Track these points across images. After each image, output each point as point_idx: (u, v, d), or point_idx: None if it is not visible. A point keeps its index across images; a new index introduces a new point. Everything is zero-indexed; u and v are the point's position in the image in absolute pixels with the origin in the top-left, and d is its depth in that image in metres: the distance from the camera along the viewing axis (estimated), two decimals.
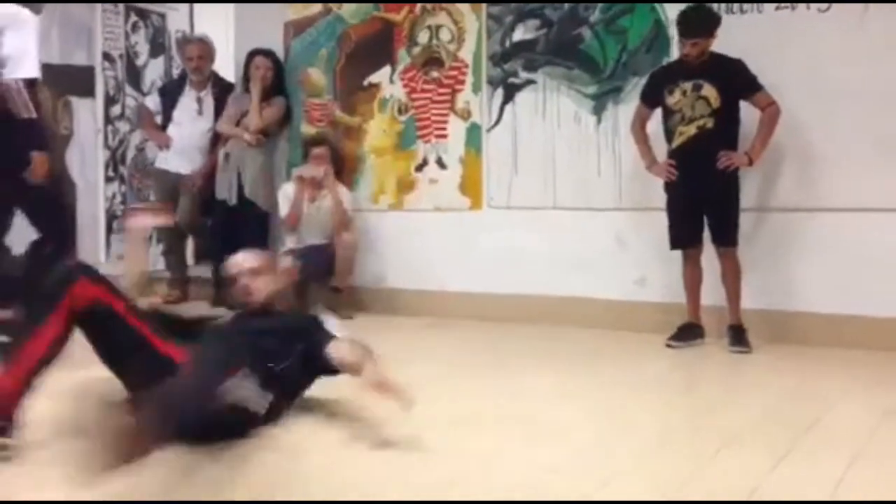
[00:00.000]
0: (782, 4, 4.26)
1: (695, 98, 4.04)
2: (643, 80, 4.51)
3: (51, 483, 1.92)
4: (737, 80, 4.00)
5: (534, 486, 2.03)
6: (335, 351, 2.49)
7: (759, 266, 4.23)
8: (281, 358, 2.44)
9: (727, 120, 4.03)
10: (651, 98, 4.25)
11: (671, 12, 4.46)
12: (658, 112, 4.25)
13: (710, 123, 4.02)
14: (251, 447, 2.30)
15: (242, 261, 2.72)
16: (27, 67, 3.83)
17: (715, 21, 4.06)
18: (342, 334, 2.69)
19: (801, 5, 4.22)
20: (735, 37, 4.18)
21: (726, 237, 4.06)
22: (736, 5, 4.35)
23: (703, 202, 4.08)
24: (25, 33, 3.84)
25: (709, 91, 4.01)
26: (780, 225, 4.29)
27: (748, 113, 4.08)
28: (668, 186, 4.20)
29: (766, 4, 4.29)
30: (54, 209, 4.38)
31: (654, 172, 4.24)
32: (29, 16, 3.89)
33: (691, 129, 4.06)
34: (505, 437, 2.52)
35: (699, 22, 4.04)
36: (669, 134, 4.16)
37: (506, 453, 2.34)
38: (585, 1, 4.80)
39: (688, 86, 4.05)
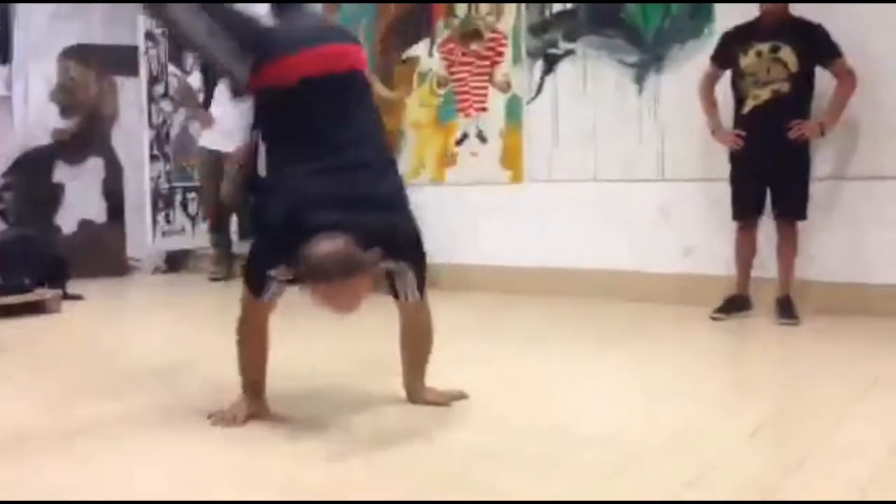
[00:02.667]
0: None
1: (771, 60, 3.87)
2: (685, 49, 4.44)
3: None
4: (817, 45, 3.83)
5: (573, 459, 2.02)
6: None
7: (814, 236, 4.13)
8: None
9: (803, 86, 3.87)
10: (722, 59, 4.07)
11: None
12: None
13: (785, 88, 3.86)
14: None
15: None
16: None
17: None
18: None
19: None
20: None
21: (793, 211, 3.92)
22: None
23: (769, 172, 3.92)
24: None
25: (787, 54, 3.85)
26: (828, 195, 4.18)
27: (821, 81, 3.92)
28: (735, 154, 4.04)
29: None
30: None
31: (719, 139, 4.08)
32: None
33: (765, 93, 3.90)
34: (544, 409, 2.52)
35: None
36: (740, 98, 4.00)
37: (544, 425, 2.33)
38: None
39: (764, 47, 3.88)
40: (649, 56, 4.69)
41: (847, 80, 3.84)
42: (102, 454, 2.13)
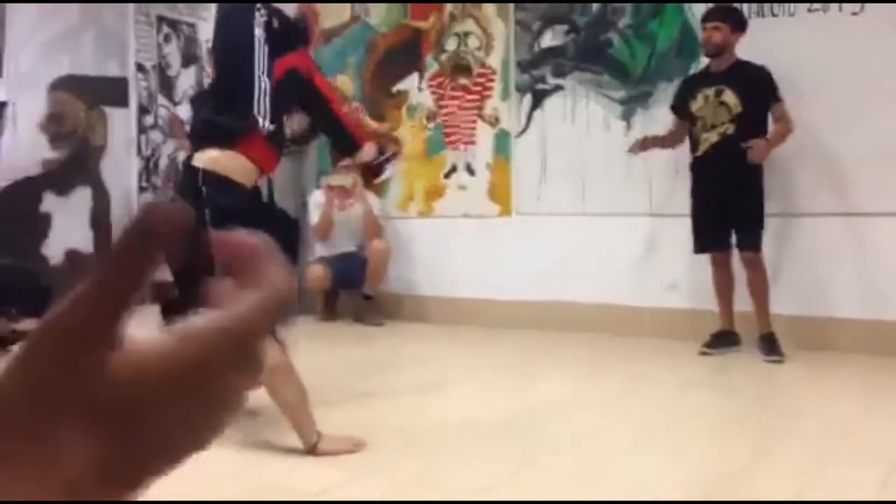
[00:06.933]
0: (814, 6, 4.21)
1: (716, 104, 4.01)
2: (673, 85, 4.49)
3: None
4: (758, 87, 3.96)
5: (563, 494, 2.02)
6: None
7: (790, 272, 4.18)
8: None
9: (750, 126, 3.97)
10: (679, 107, 4.22)
11: (700, 14, 4.45)
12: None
13: (731, 129, 3.98)
14: None
15: None
16: None
17: (739, 15, 4.07)
18: None
19: (834, 7, 4.17)
20: (766, 40, 4.15)
21: (749, 242, 4.00)
22: (767, 6, 4.31)
23: (727, 208, 4.02)
24: None
25: (729, 97, 3.98)
26: (811, 230, 4.23)
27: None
28: (693, 192, 4.17)
29: (797, 6, 4.25)
30: None
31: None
32: None
33: (713, 136, 4.03)
34: (533, 443, 2.52)
35: (723, 8, 4.10)
36: (694, 143, 4.14)
37: (534, 460, 2.33)
38: (613, 1, 4.78)
39: (710, 92, 4.03)
40: (637, 92, 4.74)
41: (781, 124, 3.96)
42: None
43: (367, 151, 3.15)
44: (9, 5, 6.10)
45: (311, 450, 2.34)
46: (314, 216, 5.46)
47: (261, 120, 2.61)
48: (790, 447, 2.48)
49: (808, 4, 4.21)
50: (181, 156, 6.52)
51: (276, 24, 2.70)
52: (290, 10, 5.78)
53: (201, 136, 2.74)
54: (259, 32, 2.65)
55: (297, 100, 2.87)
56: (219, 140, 2.64)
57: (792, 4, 4.25)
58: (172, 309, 2.95)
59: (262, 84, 2.63)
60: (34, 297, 5.09)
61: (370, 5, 5.68)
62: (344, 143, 3.25)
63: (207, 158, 2.63)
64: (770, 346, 3.94)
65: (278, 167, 5.47)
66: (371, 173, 3.40)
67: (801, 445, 2.49)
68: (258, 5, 2.71)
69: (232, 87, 2.67)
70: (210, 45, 6.80)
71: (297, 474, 2.22)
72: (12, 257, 5.67)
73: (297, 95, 2.82)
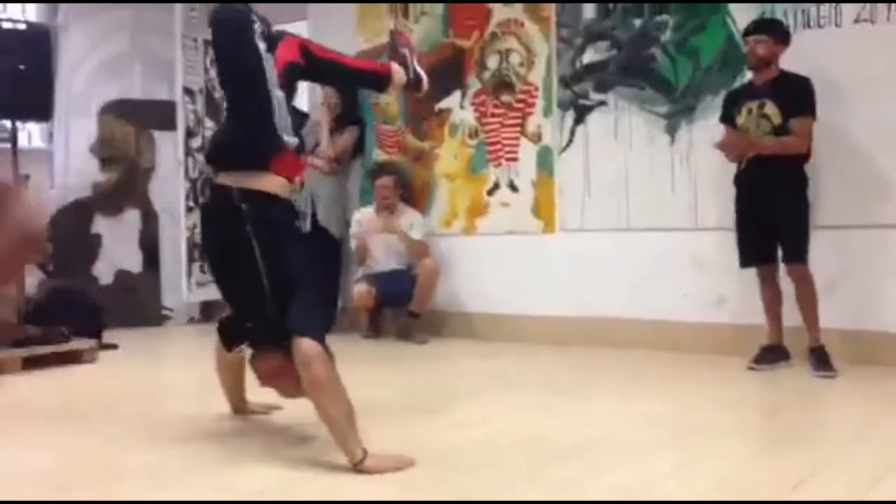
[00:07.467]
0: (861, 18, 4.15)
1: (759, 116, 3.99)
2: (716, 99, 4.46)
3: None
4: (798, 99, 3.91)
5: None
6: None
7: (843, 285, 4.10)
8: None
9: None
10: (727, 120, 4.18)
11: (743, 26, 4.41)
12: None
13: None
14: None
15: None
16: None
17: (783, 27, 4.07)
18: None
19: (881, 18, 4.10)
20: (813, 51, 4.11)
21: (793, 253, 3.93)
22: (813, 18, 4.26)
23: (771, 220, 3.97)
24: None
25: (770, 109, 3.96)
26: (863, 242, 4.15)
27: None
28: (737, 205, 4.14)
29: (844, 17, 4.19)
30: None
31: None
32: None
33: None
34: (581, 461, 2.49)
35: (766, 21, 4.12)
36: (738, 155, 4.09)
37: (582, 478, 2.30)
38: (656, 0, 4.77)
39: (753, 105, 4.02)
40: (681, 106, 4.71)
41: (796, 138, 3.89)
42: None
43: (397, 73, 3.11)
44: (61, 33, 6.27)
45: (357, 466, 2.34)
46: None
47: (286, 136, 2.61)
48: (842, 466, 2.42)
49: (854, 15, 4.15)
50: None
51: (266, 30, 2.68)
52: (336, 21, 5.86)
53: (227, 158, 2.69)
54: (262, 45, 2.62)
55: (310, 81, 2.82)
56: (249, 164, 2.60)
57: (838, 16, 4.20)
58: (228, 327, 2.97)
59: (277, 97, 2.60)
60: (85, 316, 5.19)
61: (412, 24, 5.74)
62: (375, 82, 3.21)
63: (241, 177, 2.60)
64: (821, 360, 3.85)
65: (323, 188, 5.57)
66: (414, 88, 3.24)
67: (854, 464, 2.43)
68: (252, 17, 2.65)
69: (251, 108, 2.62)
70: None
71: (343, 491, 2.22)
72: (64, 278, 5.79)
73: (307, 78, 2.77)
